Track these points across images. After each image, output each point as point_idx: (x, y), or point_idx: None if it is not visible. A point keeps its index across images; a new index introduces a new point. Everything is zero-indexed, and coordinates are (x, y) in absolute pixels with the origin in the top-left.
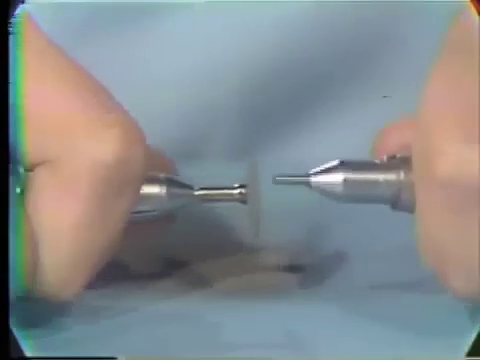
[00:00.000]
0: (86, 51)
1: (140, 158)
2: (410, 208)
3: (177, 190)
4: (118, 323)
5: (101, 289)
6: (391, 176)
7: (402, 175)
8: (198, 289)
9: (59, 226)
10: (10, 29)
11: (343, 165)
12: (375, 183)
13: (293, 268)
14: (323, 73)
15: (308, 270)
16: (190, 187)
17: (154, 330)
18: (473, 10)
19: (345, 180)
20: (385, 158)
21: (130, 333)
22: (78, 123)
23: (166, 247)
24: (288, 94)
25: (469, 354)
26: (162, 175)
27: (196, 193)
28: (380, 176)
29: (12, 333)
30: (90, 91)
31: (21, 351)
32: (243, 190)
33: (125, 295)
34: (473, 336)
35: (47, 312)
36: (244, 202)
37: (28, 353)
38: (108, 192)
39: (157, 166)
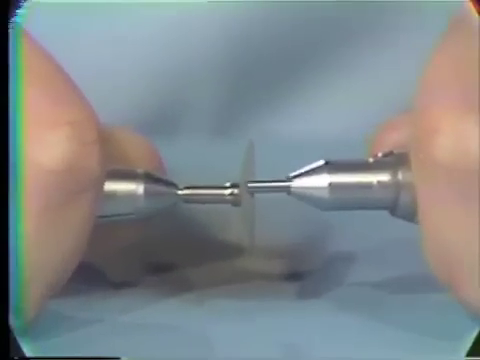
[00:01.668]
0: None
1: (95, 160)
2: (411, 214)
3: (157, 188)
4: (88, 335)
5: (71, 298)
6: (386, 177)
7: (400, 175)
8: (182, 297)
9: None
10: (10, 29)
11: (328, 166)
12: (367, 186)
13: (290, 276)
14: (311, 40)
15: (307, 278)
16: (173, 185)
17: (129, 343)
18: (473, 10)
19: (331, 184)
20: (379, 155)
21: (101, 345)
22: (27, 122)
23: (146, 250)
24: (273, 62)
25: (469, 354)
26: (139, 170)
27: (180, 192)
28: (373, 177)
29: (12, 333)
30: (41, 83)
31: (21, 351)
32: (235, 190)
33: (98, 304)
34: (473, 336)
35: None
36: (236, 204)
37: (28, 353)
38: (58, 202)
39: (137, 158)
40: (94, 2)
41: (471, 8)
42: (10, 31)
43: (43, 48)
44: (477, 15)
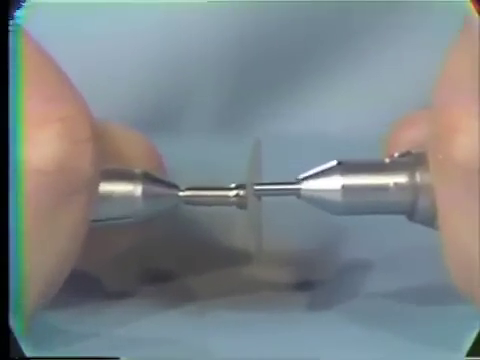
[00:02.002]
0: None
1: (88, 159)
2: (430, 218)
3: (156, 189)
4: (82, 350)
5: (64, 310)
6: (404, 178)
7: (418, 176)
8: (183, 309)
9: None
10: (10, 29)
11: (341, 167)
12: (383, 188)
13: (300, 285)
14: (315, 37)
15: (318, 288)
16: (173, 186)
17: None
18: (473, 10)
19: (344, 186)
20: (396, 155)
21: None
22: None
23: (144, 257)
24: (278, 58)
25: (469, 354)
26: (137, 170)
27: (181, 194)
28: (389, 179)
29: (12, 333)
30: (30, 77)
31: (21, 351)
32: (241, 192)
33: (92, 316)
34: (473, 336)
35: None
36: (242, 207)
37: (28, 353)
38: (48, 205)
39: (135, 157)
40: (94, 2)
41: (471, 8)
42: (10, 31)
43: (35, 42)
44: (477, 15)
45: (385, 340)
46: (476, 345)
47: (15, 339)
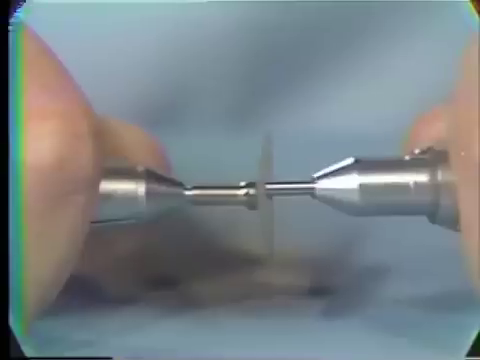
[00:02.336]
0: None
1: (88, 156)
2: (453, 220)
3: (161, 188)
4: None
5: (63, 317)
6: (425, 177)
7: (440, 175)
8: (190, 316)
9: None
10: (10, 29)
11: (359, 165)
12: (403, 188)
13: (314, 291)
14: (324, 34)
15: (334, 294)
16: (179, 184)
17: None
18: (473, 10)
19: (362, 185)
20: (416, 152)
21: None
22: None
23: (148, 262)
24: (289, 53)
25: (469, 354)
26: (140, 167)
27: (187, 193)
28: (410, 178)
29: (12, 333)
30: (28, 70)
31: (21, 351)
32: (251, 190)
33: (93, 324)
34: (473, 336)
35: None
36: (253, 206)
37: (28, 353)
38: (46, 205)
39: (138, 154)
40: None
41: (471, 8)
42: (10, 30)
43: (35, 36)
44: (477, 15)
45: (406, 349)
46: (476, 345)
47: (15, 339)
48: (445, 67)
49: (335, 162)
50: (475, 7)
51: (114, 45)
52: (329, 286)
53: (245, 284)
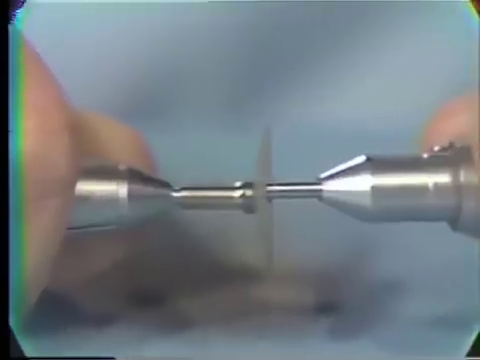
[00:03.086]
0: None
1: (62, 153)
2: (476, 227)
3: (145, 189)
4: None
5: (34, 339)
6: (445, 177)
7: (462, 175)
8: (179, 337)
9: None
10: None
11: (372, 163)
12: (421, 190)
13: (321, 308)
14: (327, 25)
15: (342, 311)
16: (166, 185)
17: None
18: (473, 10)
19: (375, 187)
20: (436, 149)
21: None
22: None
23: (130, 275)
24: (288, 47)
25: (469, 354)
26: (122, 166)
27: (176, 195)
28: (428, 178)
29: (12, 333)
30: None
31: (21, 351)
32: (248, 191)
33: (69, 346)
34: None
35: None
36: (250, 210)
37: (28, 353)
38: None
39: (120, 151)
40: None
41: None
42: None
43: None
44: (477, 15)
45: None
46: (476, 345)
47: (15, 339)
48: (446, 66)
49: (339, 161)
50: (475, 7)
51: (101, 37)
52: (336, 302)
53: (240, 300)
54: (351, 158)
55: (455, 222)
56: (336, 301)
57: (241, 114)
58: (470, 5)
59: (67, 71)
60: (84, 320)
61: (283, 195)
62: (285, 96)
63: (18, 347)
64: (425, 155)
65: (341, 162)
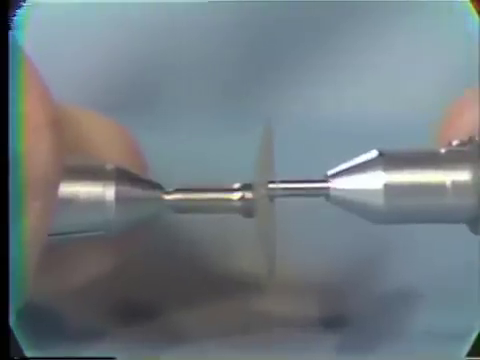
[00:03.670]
0: None
1: (44, 151)
2: None
3: (134, 191)
4: None
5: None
6: (464, 175)
7: None
8: (171, 353)
9: None
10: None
11: (384, 159)
12: (438, 189)
13: (327, 321)
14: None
15: (351, 325)
16: (157, 187)
17: None
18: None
19: (387, 185)
20: (454, 144)
21: None
22: None
23: (118, 286)
24: (287, 40)
25: (469, 354)
26: (109, 165)
27: (167, 198)
28: (445, 176)
29: (12, 333)
30: None
31: (21, 351)
32: (248, 194)
33: None
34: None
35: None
36: (249, 214)
37: (28, 353)
38: None
39: (107, 149)
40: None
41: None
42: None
43: None
44: (477, 15)
45: None
46: (476, 345)
47: (15, 339)
48: (446, 66)
49: (352, 157)
50: (475, 7)
51: (93, 34)
52: (343, 316)
53: (239, 313)
54: (357, 155)
55: (475, 224)
56: (344, 314)
57: (238, 110)
58: (470, 5)
59: (57, 67)
60: (68, 336)
61: (286, 194)
62: (284, 93)
63: (18, 347)
64: (442, 150)
65: (346, 160)
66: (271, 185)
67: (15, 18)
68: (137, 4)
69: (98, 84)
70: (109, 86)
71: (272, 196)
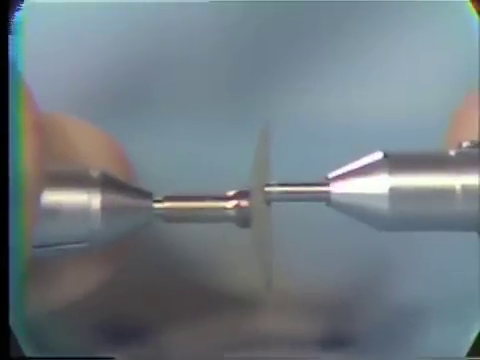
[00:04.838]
0: None
1: (25, 157)
2: None
3: (122, 200)
4: None
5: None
6: (476, 179)
7: None
8: None
9: None
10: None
11: (389, 161)
12: (447, 193)
13: (329, 341)
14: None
15: (354, 344)
16: (146, 195)
17: None
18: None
19: (393, 189)
20: (465, 145)
21: None
22: None
23: (105, 305)
24: (289, 39)
25: (469, 354)
26: (95, 172)
27: (157, 206)
28: (455, 180)
29: (12, 333)
30: None
31: (21, 351)
32: (243, 202)
33: None
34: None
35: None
36: (245, 224)
37: (28, 353)
38: None
39: (93, 156)
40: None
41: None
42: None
43: None
44: (477, 15)
45: None
46: (476, 345)
47: (15, 339)
48: (445, 66)
49: (353, 159)
50: (475, 7)
51: (82, 37)
52: (347, 334)
53: (235, 332)
54: (359, 159)
55: None
56: (347, 333)
57: (232, 115)
58: (470, 5)
59: (49, 69)
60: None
61: (284, 198)
62: (283, 96)
63: (18, 347)
64: (452, 152)
65: (347, 163)
66: (268, 188)
67: (13, 21)
68: (137, 4)
69: (93, 86)
70: (104, 88)
71: (269, 200)
